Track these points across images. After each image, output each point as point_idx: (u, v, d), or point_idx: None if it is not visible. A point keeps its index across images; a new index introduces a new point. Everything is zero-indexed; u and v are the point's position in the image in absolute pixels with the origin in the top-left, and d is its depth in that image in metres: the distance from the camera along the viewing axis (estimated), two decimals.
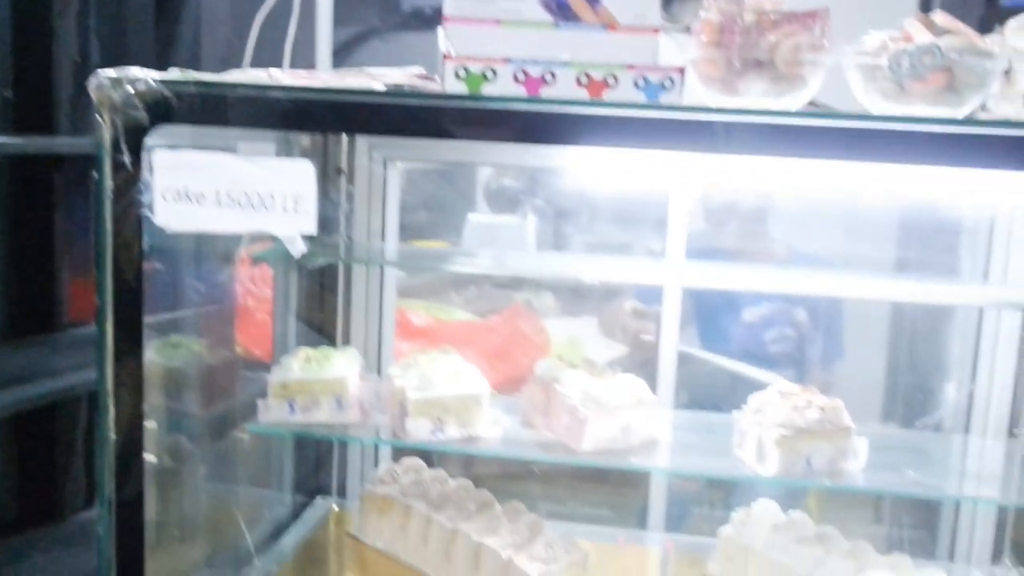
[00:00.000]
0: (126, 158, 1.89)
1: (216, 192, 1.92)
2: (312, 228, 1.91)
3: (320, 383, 2.55)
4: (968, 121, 1.96)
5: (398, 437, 2.50)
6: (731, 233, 3.64)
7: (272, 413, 2.55)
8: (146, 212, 1.94)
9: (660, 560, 2.82)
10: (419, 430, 2.46)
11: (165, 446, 2.42)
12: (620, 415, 2.48)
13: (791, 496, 2.81)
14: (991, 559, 2.92)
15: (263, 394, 2.55)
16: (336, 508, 3.08)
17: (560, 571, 2.49)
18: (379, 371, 3.10)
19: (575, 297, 4.92)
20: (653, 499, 3.09)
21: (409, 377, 2.53)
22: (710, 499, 3.81)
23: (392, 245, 3.02)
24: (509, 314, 4.39)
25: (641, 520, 3.16)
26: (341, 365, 2.58)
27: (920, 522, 3.21)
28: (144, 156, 1.96)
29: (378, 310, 3.07)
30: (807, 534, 2.62)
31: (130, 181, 1.93)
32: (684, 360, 3.20)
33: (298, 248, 1.93)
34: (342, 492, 3.17)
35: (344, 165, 2.96)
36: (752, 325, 3.62)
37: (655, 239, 3.89)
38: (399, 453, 3.00)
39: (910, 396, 3.77)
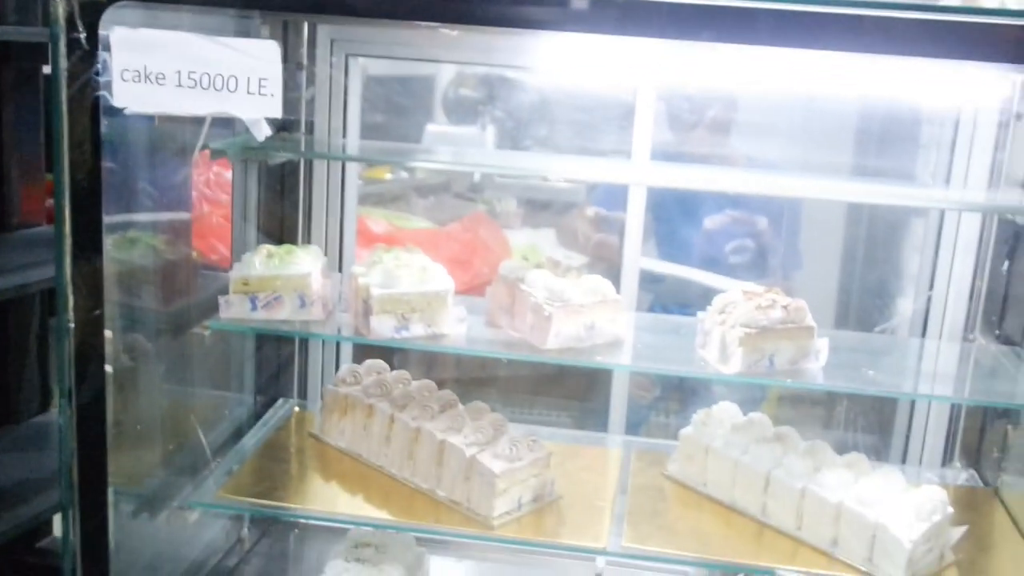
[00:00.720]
0: (82, 36, 1.82)
1: (177, 73, 1.86)
2: (277, 111, 1.86)
3: (282, 279, 2.52)
4: (930, 7, 1.93)
5: (361, 334, 2.48)
6: (694, 140, 3.62)
7: (233, 309, 2.52)
8: (104, 94, 1.88)
9: (621, 460, 2.84)
10: (383, 327, 2.44)
11: (124, 343, 2.38)
12: (585, 313, 2.48)
13: (750, 401, 2.84)
14: (942, 462, 2.99)
15: (223, 294, 2.51)
16: (298, 409, 3.06)
17: (523, 468, 2.50)
18: (341, 271, 3.07)
19: (535, 208, 4.90)
20: (614, 402, 3.11)
21: (373, 275, 2.50)
22: (668, 408, 3.86)
23: (353, 142, 2.97)
24: (469, 222, 4.37)
25: (602, 424, 3.18)
26: (304, 262, 2.55)
27: (873, 426, 3.27)
28: (100, 37, 1.89)
29: (339, 209, 3.03)
30: (766, 434, 2.66)
31: (86, 61, 1.86)
32: (646, 272, 3.20)
33: (263, 131, 1.89)
34: (303, 394, 3.16)
35: (305, 61, 2.89)
36: (713, 234, 3.62)
37: (617, 151, 3.87)
38: (361, 355, 2.98)
39: (868, 303, 3.82)
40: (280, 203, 3.01)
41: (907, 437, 3.05)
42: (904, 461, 3.04)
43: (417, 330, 2.48)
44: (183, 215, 2.80)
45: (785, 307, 2.41)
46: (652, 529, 2.51)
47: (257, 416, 3.02)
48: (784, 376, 2.42)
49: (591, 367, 3.10)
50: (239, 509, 2.71)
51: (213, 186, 3.67)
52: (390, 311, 2.44)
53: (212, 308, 2.55)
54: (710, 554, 2.46)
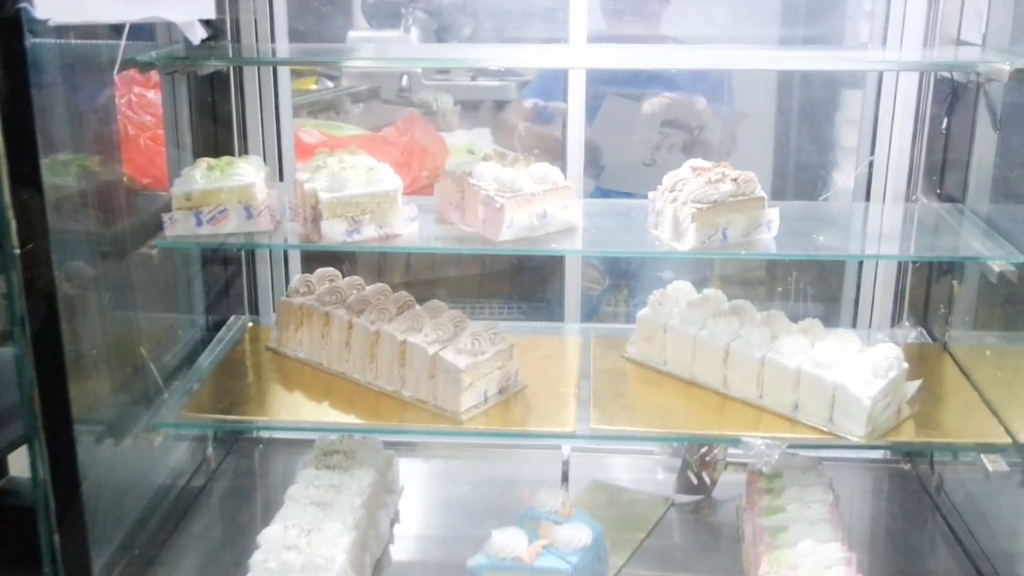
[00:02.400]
0: None
1: None
2: (211, 12, 1.79)
3: (226, 191, 2.46)
4: None
5: (312, 241, 2.45)
6: (627, 24, 3.58)
7: (178, 226, 2.47)
8: (26, 6, 1.79)
9: (581, 347, 2.86)
10: (334, 232, 2.41)
11: (70, 269, 2.33)
12: (536, 202, 2.46)
13: (697, 283, 2.86)
14: (891, 323, 3.06)
15: (165, 211, 2.45)
16: (251, 325, 3.03)
17: (487, 361, 2.51)
18: (282, 181, 3.01)
19: (468, 108, 4.83)
20: (569, 292, 3.12)
21: (319, 180, 2.46)
22: (618, 298, 3.89)
23: (283, 46, 2.89)
24: (404, 124, 4.30)
25: (558, 315, 3.19)
26: (246, 172, 2.49)
27: (822, 295, 3.33)
28: None
29: (275, 119, 2.96)
30: (722, 308, 2.69)
31: None
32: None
33: (198, 34, 1.82)
34: (255, 310, 3.12)
35: None
36: (651, 117, 3.60)
37: (552, 40, 3.83)
38: (310, 267, 2.95)
39: (808, 175, 3.86)
40: (212, 116, 2.93)
41: (856, 302, 3.11)
42: (854, 326, 3.11)
43: (369, 232, 2.45)
44: (112, 134, 2.72)
45: (735, 179, 2.42)
46: (617, 410, 2.55)
47: (210, 335, 2.98)
48: (738, 248, 2.44)
49: (547, 254, 3.11)
50: (204, 426, 2.70)
51: (136, 108, 3.56)
52: (340, 215, 2.41)
53: (156, 228, 2.49)
54: (676, 428, 2.51)
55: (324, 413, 2.56)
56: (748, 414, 2.52)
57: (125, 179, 2.87)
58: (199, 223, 2.46)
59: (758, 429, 2.46)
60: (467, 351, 2.49)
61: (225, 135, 2.92)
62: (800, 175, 4.22)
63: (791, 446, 2.43)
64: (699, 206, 2.37)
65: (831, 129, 4.52)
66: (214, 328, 3.02)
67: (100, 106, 2.53)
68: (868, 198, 2.99)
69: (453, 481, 2.97)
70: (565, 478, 2.92)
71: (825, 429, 2.42)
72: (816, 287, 3.34)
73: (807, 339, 2.52)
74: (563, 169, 3.01)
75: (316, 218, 2.41)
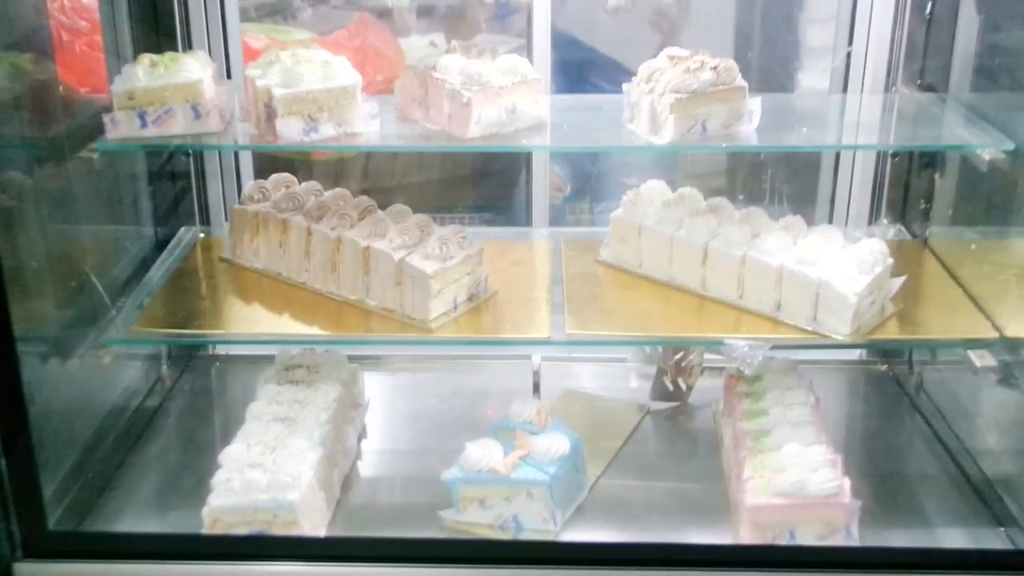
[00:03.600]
0: None
1: None
2: None
3: (171, 89, 2.29)
4: None
5: (267, 141, 2.29)
6: None
7: (121, 127, 2.29)
8: None
9: (551, 251, 2.74)
10: (290, 131, 2.25)
11: (4, 177, 2.16)
12: (505, 96, 2.32)
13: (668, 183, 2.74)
14: (869, 220, 2.97)
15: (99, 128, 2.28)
16: (203, 235, 2.86)
17: (456, 267, 2.39)
18: (230, 78, 2.83)
19: (422, 11, 4.63)
20: (536, 194, 2.99)
21: (272, 75, 2.29)
22: (583, 206, 3.76)
23: None
24: (356, 27, 4.08)
25: (525, 220, 3.06)
26: (193, 68, 2.32)
27: (799, 192, 3.23)
28: None
29: (220, 15, 2.77)
30: (699, 207, 2.58)
31: None
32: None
33: None
34: (206, 220, 2.95)
35: None
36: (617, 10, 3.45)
37: None
38: (264, 173, 2.79)
39: (774, 75, 3.72)
40: (153, 17, 2.74)
41: (832, 199, 3.02)
42: (830, 223, 3.01)
43: (327, 131, 2.29)
44: (45, 33, 2.52)
45: (715, 68, 2.29)
46: (593, 315, 2.44)
47: (160, 247, 2.82)
48: (719, 140, 2.32)
49: (518, 151, 2.97)
50: (157, 342, 2.55)
51: (70, 13, 3.33)
52: (296, 112, 2.25)
53: (97, 132, 2.31)
54: (655, 332, 2.41)
55: (285, 325, 2.43)
56: (728, 315, 2.43)
57: (61, 88, 2.69)
58: (143, 124, 2.29)
59: (739, 331, 2.38)
60: (435, 256, 2.36)
61: (167, 32, 2.73)
62: (764, 77, 4.09)
63: (774, 347, 2.34)
64: (677, 96, 2.24)
65: (796, 30, 4.38)
66: (164, 241, 2.85)
67: (30, 4, 2.34)
68: (845, 89, 2.88)
69: (421, 394, 2.86)
70: (537, 388, 2.82)
71: (809, 328, 2.34)
72: (791, 184, 3.23)
73: (789, 236, 2.42)
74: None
75: (270, 116, 2.25)
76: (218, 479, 2.21)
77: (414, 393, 2.87)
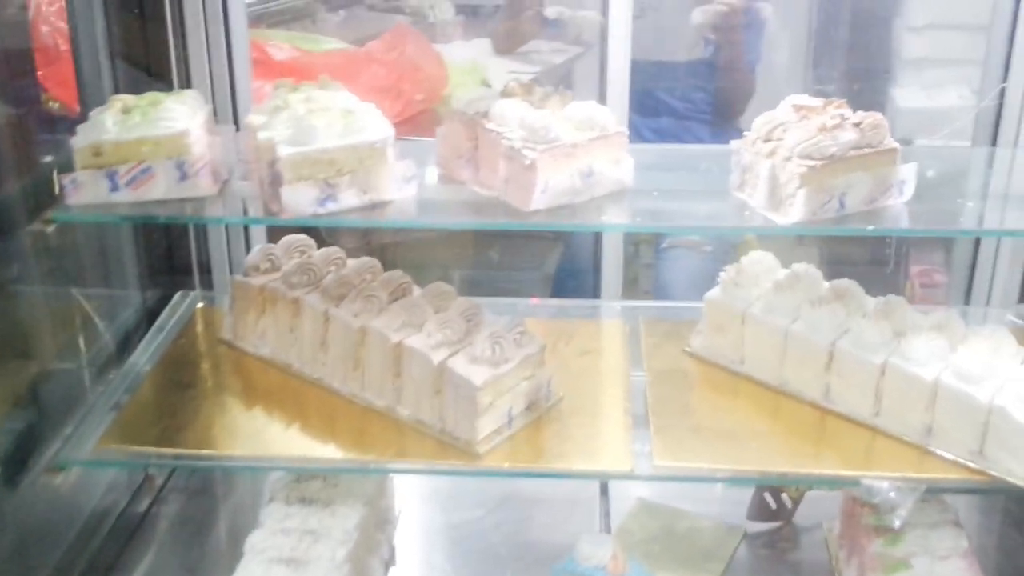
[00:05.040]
0: None
1: None
2: None
3: (150, 142, 1.77)
4: None
5: (272, 213, 1.76)
6: None
7: (85, 191, 1.78)
8: None
9: (627, 335, 2.20)
10: (300, 200, 1.72)
11: None
12: (580, 156, 1.78)
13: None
14: (1020, 298, 2.40)
15: (65, 171, 1.77)
16: (202, 304, 2.35)
17: (512, 372, 1.86)
18: (236, 121, 2.32)
19: (465, 14, 4.11)
20: (608, 259, 2.44)
21: (278, 126, 1.77)
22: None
23: None
24: (393, 37, 3.56)
25: (593, 287, 2.51)
26: (177, 114, 1.80)
27: (925, 259, 2.66)
28: None
29: (224, 35, 2.25)
30: (820, 292, 2.04)
31: None
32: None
33: None
34: (207, 283, 2.44)
35: None
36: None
37: None
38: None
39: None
40: (142, 35, 2.23)
41: (971, 271, 2.44)
42: (967, 302, 2.45)
43: (348, 199, 1.76)
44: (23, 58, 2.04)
45: (858, 125, 1.73)
46: (685, 434, 1.90)
47: (149, 317, 2.32)
48: (860, 220, 1.76)
49: (592, 231, 2.42)
50: (128, 464, 2.04)
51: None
52: (308, 176, 1.72)
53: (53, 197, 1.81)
54: (767, 462, 1.86)
55: (296, 439, 1.91)
56: (860, 439, 1.90)
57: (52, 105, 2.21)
58: (114, 187, 1.78)
59: (876, 461, 1.85)
60: (485, 359, 1.83)
61: (159, 59, 2.21)
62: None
63: (929, 489, 1.79)
64: (810, 163, 1.70)
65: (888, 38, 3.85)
66: (154, 307, 2.35)
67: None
68: (995, 142, 2.31)
69: (462, 503, 2.33)
70: (604, 491, 2.30)
71: (973, 465, 1.78)
72: (917, 251, 2.67)
73: (942, 338, 1.87)
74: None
75: (275, 181, 1.73)
76: None
77: (454, 502, 2.34)
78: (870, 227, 1.75)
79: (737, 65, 3.42)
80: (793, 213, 1.71)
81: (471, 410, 1.81)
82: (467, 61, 3.77)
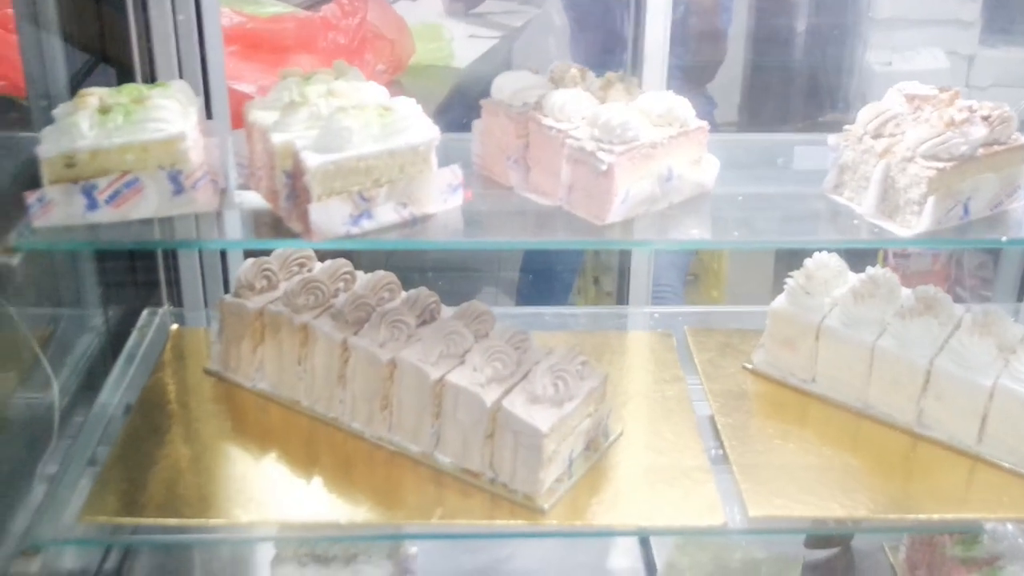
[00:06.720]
0: None
1: None
2: None
3: (137, 148, 1.43)
4: None
5: (294, 234, 1.44)
6: None
7: (56, 211, 1.43)
8: None
9: (675, 350, 1.93)
10: (332, 219, 1.40)
11: None
12: (658, 158, 1.50)
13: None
14: None
15: (31, 188, 1.41)
16: (176, 326, 2.00)
17: (577, 410, 1.58)
18: (208, 109, 1.97)
19: None
20: (638, 266, 2.13)
21: (297, 126, 1.44)
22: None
23: None
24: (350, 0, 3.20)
25: (620, 292, 2.22)
26: (168, 113, 1.45)
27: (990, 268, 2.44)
28: None
29: (193, 2, 1.89)
30: (902, 300, 1.80)
31: None
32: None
33: None
34: (177, 298, 2.08)
35: None
36: None
37: None
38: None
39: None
40: (94, 5, 1.86)
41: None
42: (1020, 299, 2.26)
43: (386, 215, 1.45)
44: None
45: (987, 119, 1.49)
46: (772, 473, 1.65)
47: (115, 342, 1.96)
48: (985, 227, 1.52)
49: (677, 249, 2.14)
50: (119, 542, 1.70)
51: None
52: (341, 190, 1.40)
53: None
54: (871, 505, 1.61)
55: (311, 499, 1.60)
56: (960, 470, 1.68)
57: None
58: (92, 204, 1.43)
59: (982, 494, 1.62)
60: (547, 398, 1.54)
61: (116, 39, 1.85)
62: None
63: None
64: (938, 165, 1.44)
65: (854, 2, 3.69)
66: (119, 329, 2.00)
67: None
68: None
69: (486, 543, 2.04)
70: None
71: None
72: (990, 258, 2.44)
73: None
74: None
75: (298, 194, 1.41)
76: None
77: (476, 540, 2.05)
78: (1003, 238, 1.51)
79: (709, 29, 3.19)
80: (919, 223, 1.46)
81: (534, 460, 1.53)
82: (427, 26, 3.45)
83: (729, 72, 3.50)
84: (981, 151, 1.48)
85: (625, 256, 2.16)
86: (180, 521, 1.53)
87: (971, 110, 1.48)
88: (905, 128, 1.50)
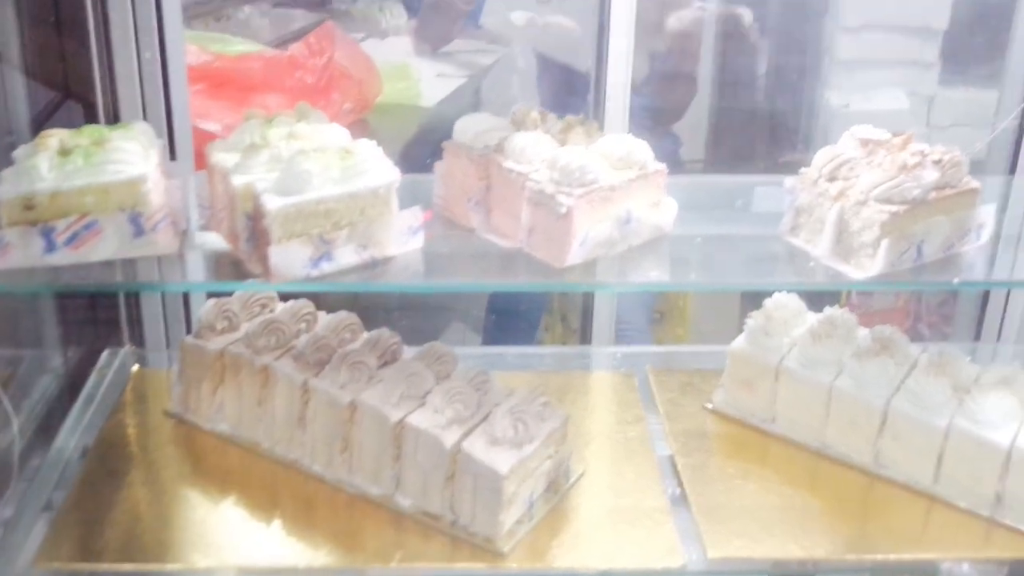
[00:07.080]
0: None
1: None
2: None
3: (97, 191, 1.43)
4: None
5: (252, 276, 1.44)
6: None
7: (13, 254, 1.42)
8: None
9: (636, 390, 1.95)
10: (292, 262, 1.41)
11: None
12: (617, 200, 1.52)
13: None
14: None
15: None
16: (138, 366, 1.99)
17: (537, 452, 1.58)
18: (172, 150, 1.97)
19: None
20: (601, 305, 2.15)
21: (258, 168, 1.45)
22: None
23: None
24: (318, 39, 3.21)
25: (583, 332, 2.24)
26: (129, 155, 1.45)
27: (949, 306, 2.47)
28: None
29: (158, 41, 1.89)
30: (860, 340, 1.82)
31: None
32: None
33: None
34: (138, 337, 2.07)
35: None
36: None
37: None
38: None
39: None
40: (57, 43, 1.86)
41: (1002, 316, 2.26)
42: (977, 338, 2.28)
43: (346, 256, 1.46)
44: None
45: (939, 162, 1.51)
46: (732, 514, 1.66)
47: (74, 383, 1.95)
48: (937, 268, 1.54)
49: (641, 290, 2.15)
50: None
51: None
52: (301, 232, 1.41)
53: None
54: (830, 545, 1.61)
55: (269, 544, 1.59)
56: (916, 510, 1.71)
57: None
58: (51, 247, 1.43)
59: (932, 531, 1.66)
60: (507, 440, 1.55)
61: (79, 79, 1.85)
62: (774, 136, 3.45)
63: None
64: (891, 209, 1.47)
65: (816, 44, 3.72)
66: (79, 370, 1.98)
67: None
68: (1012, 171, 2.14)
69: None
70: None
71: None
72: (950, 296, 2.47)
73: (1012, 396, 1.67)
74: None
75: (259, 236, 1.41)
76: None
77: None
78: (955, 280, 1.54)
79: (677, 71, 3.23)
80: (872, 266, 1.48)
81: (494, 502, 1.53)
82: (395, 65, 3.47)
83: (695, 112, 3.54)
84: (933, 195, 1.51)
85: (588, 296, 2.18)
86: (137, 566, 1.51)
87: (923, 154, 1.51)
88: (859, 172, 1.52)
